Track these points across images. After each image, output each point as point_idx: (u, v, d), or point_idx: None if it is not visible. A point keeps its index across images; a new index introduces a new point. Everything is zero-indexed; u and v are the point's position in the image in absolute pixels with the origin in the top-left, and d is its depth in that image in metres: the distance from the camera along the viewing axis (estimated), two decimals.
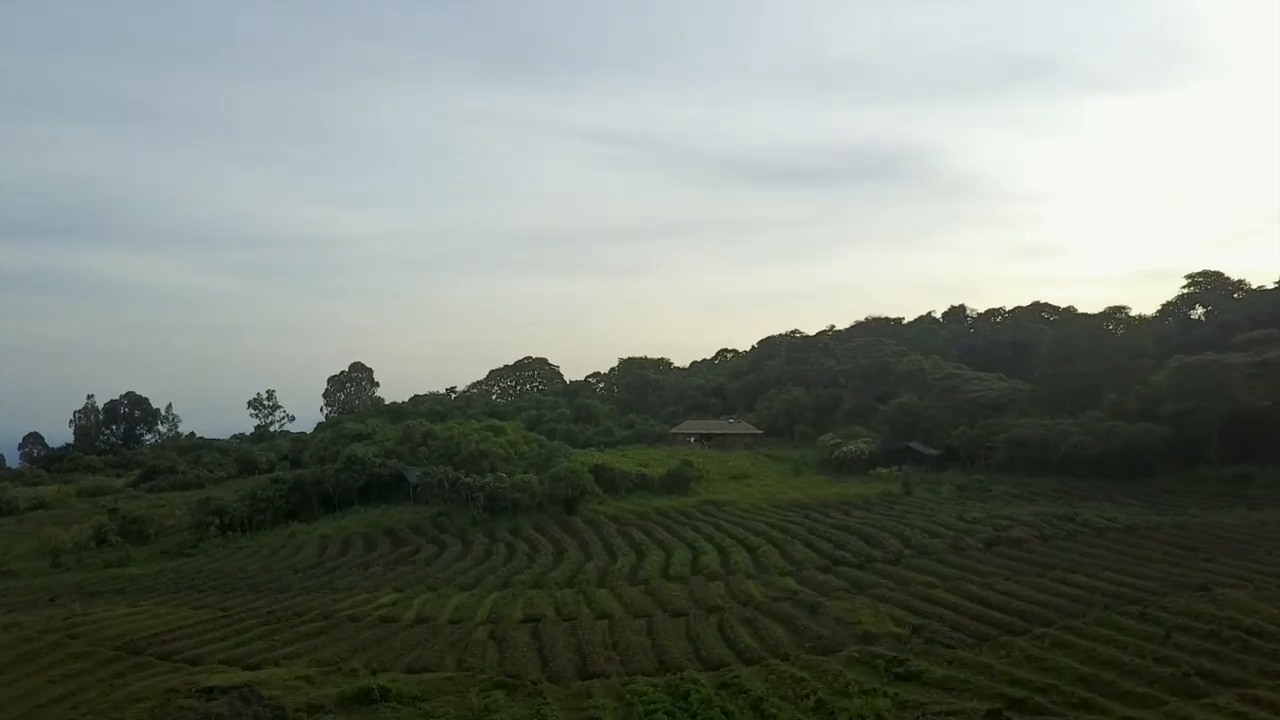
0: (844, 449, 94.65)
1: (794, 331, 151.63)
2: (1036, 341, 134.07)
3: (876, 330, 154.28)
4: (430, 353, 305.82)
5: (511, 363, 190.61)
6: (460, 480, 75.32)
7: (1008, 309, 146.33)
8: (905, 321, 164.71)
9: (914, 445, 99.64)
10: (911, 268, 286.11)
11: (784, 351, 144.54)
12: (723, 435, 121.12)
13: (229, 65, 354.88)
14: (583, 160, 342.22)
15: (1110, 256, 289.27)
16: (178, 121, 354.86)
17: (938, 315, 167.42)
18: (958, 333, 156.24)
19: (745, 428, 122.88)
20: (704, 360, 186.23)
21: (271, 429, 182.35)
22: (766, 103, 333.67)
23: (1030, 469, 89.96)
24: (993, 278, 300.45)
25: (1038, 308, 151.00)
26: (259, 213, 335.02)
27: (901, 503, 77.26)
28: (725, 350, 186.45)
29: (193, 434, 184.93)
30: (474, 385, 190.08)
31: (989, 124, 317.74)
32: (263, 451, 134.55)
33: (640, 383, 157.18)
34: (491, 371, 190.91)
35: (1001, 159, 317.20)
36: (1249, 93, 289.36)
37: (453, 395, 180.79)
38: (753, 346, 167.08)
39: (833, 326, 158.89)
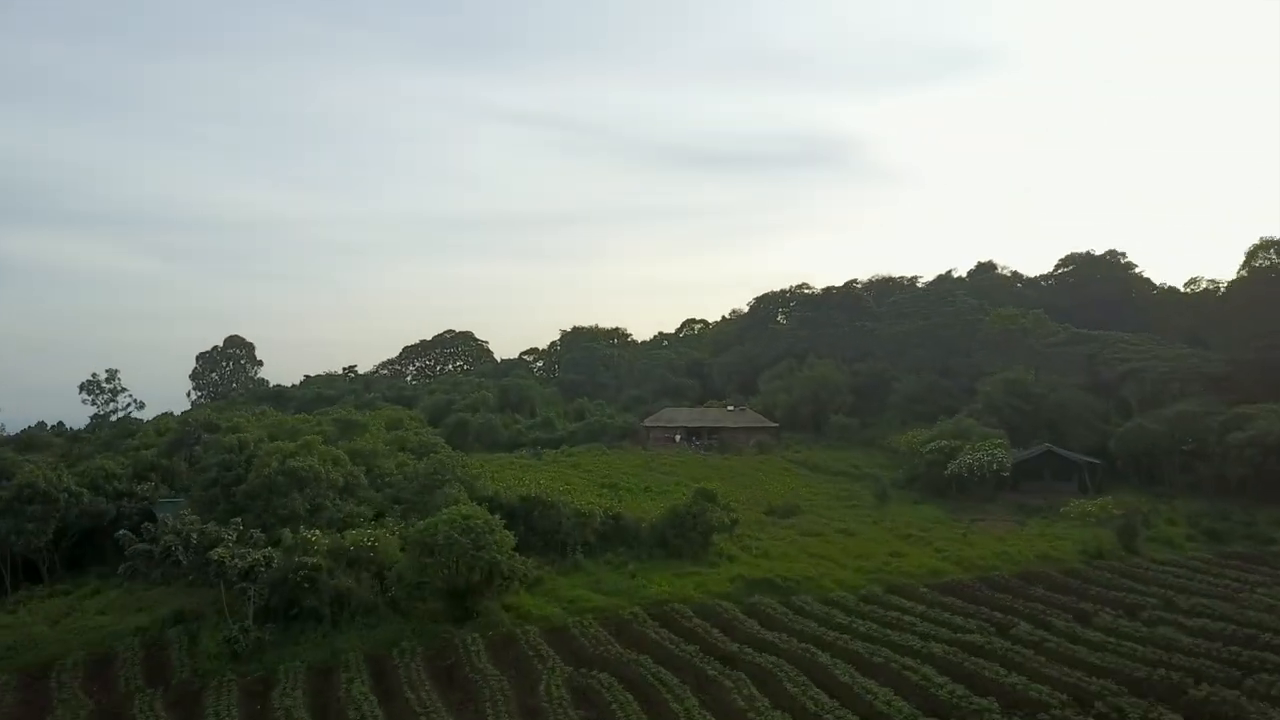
0: (967, 460, 53.87)
1: (801, 286, 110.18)
2: (1120, 299, 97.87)
3: (895, 291, 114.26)
4: (355, 339, 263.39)
5: (430, 338, 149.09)
6: (213, 554, 32.52)
7: (1098, 253, 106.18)
8: (921, 283, 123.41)
9: (1057, 449, 60.25)
10: (854, 252, 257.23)
11: (793, 310, 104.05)
12: (721, 430, 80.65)
13: (152, 40, 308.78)
14: (522, 144, 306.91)
15: (1054, 248, 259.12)
16: (93, 98, 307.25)
17: (960, 274, 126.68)
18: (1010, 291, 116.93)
19: (753, 419, 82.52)
20: (668, 334, 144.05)
21: (113, 419, 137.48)
22: (707, 88, 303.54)
23: (1271, 489, 51.94)
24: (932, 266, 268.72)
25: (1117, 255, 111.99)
26: (178, 194, 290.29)
27: (1146, 576, 37.83)
28: (693, 321, 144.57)
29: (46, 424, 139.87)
30: (384, 365, 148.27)
31: (926, 112, 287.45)
32: (31, 460, 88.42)
33: (590, 359, 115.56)
34: (406, 348, 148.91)
35: (941, 147, 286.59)
36: (1237, 85, 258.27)
37: (350, 376, 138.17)
38: (740, 309, 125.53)
39: (855, 281, 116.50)
